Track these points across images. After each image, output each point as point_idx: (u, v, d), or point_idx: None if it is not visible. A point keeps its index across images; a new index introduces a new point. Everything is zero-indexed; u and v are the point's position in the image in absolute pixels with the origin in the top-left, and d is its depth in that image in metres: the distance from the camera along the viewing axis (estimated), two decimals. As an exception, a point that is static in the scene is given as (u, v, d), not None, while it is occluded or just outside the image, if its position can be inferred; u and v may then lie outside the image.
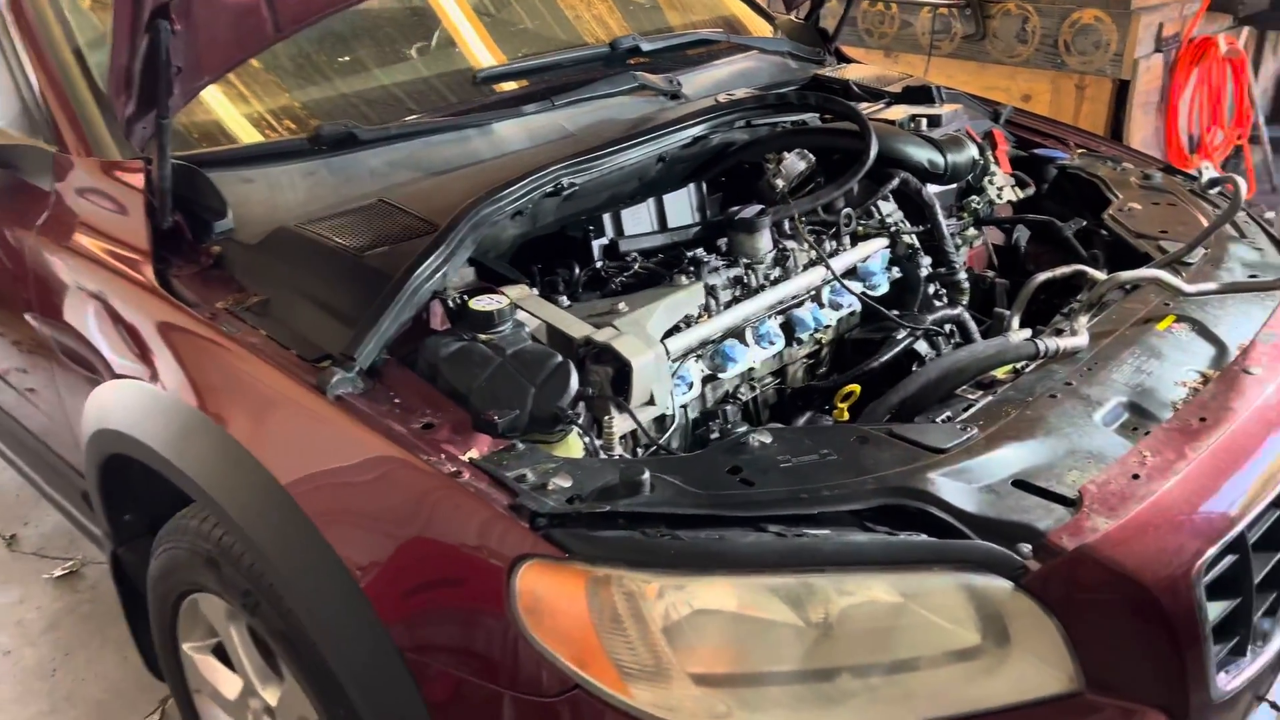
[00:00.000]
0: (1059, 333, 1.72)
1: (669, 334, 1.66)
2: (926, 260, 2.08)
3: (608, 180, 1.95)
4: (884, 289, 2.03)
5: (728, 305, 1.80)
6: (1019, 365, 1.61)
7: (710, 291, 1.77)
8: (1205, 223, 2.09)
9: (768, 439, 1.38)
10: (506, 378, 1.43)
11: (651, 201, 1.93)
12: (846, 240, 2.02)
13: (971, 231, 2.36)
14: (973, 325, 2.02)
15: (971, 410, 1.50)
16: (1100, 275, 1.86)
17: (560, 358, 1.45)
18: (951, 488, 1.28)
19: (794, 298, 1.88)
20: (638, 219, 1.91)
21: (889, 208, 2.11)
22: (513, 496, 1.25)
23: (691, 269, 1.76)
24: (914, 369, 1.97)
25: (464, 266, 1.64)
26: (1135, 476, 1.30)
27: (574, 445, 1.41)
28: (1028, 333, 1.76)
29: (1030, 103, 5.26)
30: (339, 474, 1.37)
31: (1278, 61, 6.33)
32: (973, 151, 2.12)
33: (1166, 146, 5.30)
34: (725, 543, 1.19)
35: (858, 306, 1.98)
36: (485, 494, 1.26)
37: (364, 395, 1.42)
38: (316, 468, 1.40)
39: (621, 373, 1.48)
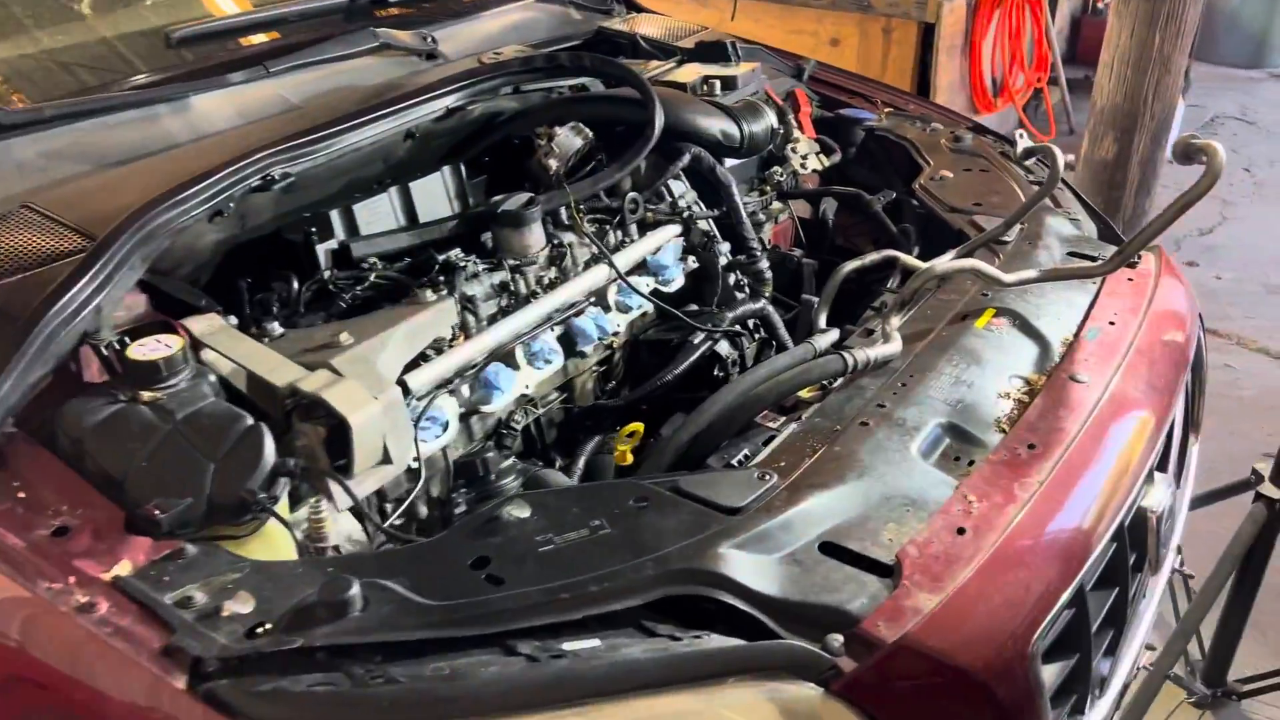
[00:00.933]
0: (869, 334, 1.50)
1: (413, 366, 1.35)
2: (725, 247, 1.83)
3: (341, 165, 1.59)
4: (679, 283, 1.77)
5: (492, 320, 1.50)
6: (827, 381, 1.38)
7: (468, 305, 1.46)
8: (1019, 190, 1.93)
9: (525, 512, 1.09)
10: (176, 453, 1.08)
11: (395, 191, 1.59)
12: (634, 229, 1.74)
13: (776, 205, 2.13)
14: (778, 321, 1.79)
15: (774, 444, 1.26)
16: (913, 262, 1.65)
17: (250, 420, 1.12)
18: (748, 564, 1.04)
19: (573, 304, 1.59)
20: (378, 214, 1.56)
21: (681, 188, 1.84)
22: (169, 633, 0.92)
23: (442, 279, 1.44)
24: (716, 373, 1.74)
25: (132, 293, 1.26)
26: (960, 531, 1.09)
27: (274, 538, 1.08)
28: (835, 334, 1.54)
29: (839, 47, 5.12)
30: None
31: (1073, 2, 6.45)
32: (771, 119, 1.88)
33: (972, 90, 5.29)
34: (458, 682, 0.90)
35: (650, 306, 1.71)
36: (127, 634, 0.92)
37: (-29, 492, 1.04)
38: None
39: (337, 432, 1.16)
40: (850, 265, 1.63)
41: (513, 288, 1.52)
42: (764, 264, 1.82)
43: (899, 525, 1.11)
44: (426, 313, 1.35)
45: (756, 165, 2.11)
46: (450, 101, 1.72)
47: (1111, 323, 1.47)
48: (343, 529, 1.26)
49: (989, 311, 1.50)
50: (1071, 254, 1.71)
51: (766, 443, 1.28)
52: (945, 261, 1.49)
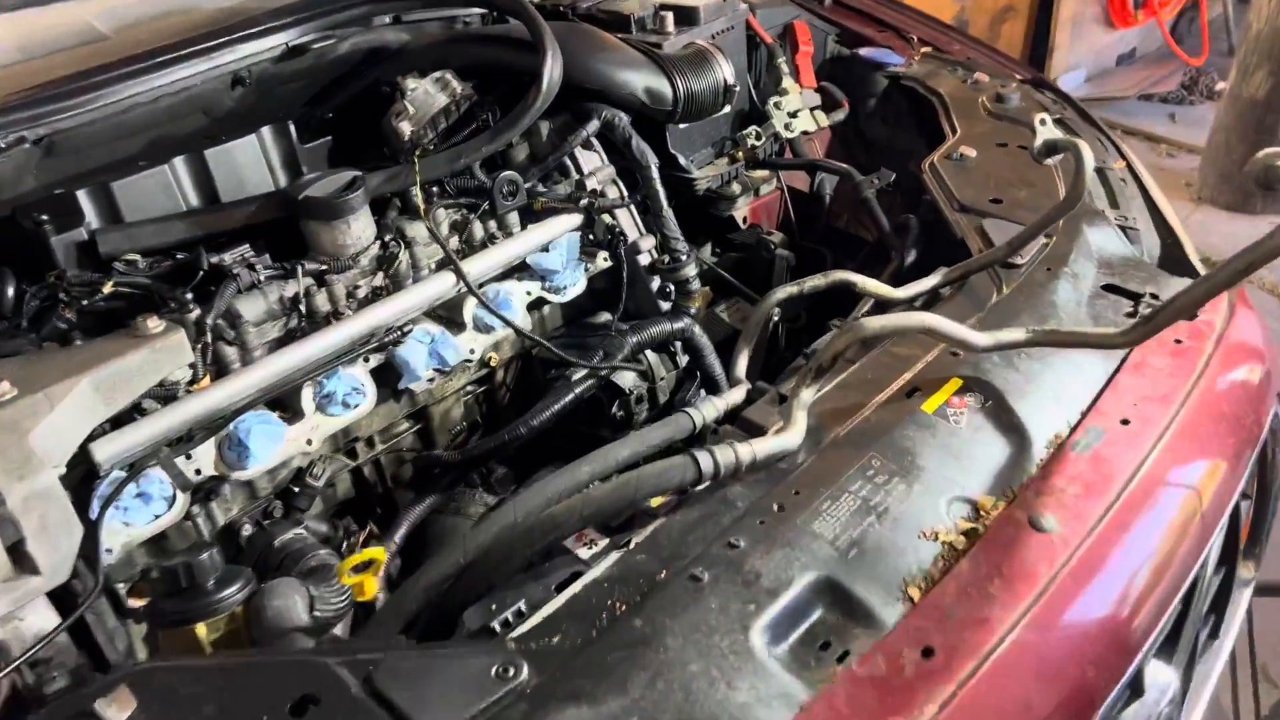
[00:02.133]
0: (782, 400, 1.08)
1: (127, 421, 1.01)
2: (648, 243, 1.40)
3: (133, 123, 1.25)
4: (576, 290, 1.36)
5: (274, 347, 1.14)
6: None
7: (231, 329, 1.10)
8: (1060, 184, 1.43)
9: (124, 711, 0.75)
10: None
11: (183, 161, 1.22)
12: (513, 220, 1.33)
13: (758, 174, 1.68)
14: (705, 344, 1.37)
15: (563, 597, 0.87)
16: (875, 288, 1.21)
17: None
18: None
19: (401, 325, 1.21)
20: (151, 193, 1.20)
21: (594, 162, 1.41)
22: None
23: (189, 295, 1.08)
24: (614, 411, 1.35)
25: None
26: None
27: None
28: (741, 393, 1.12)
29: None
30: None
31: (1247, -104, 5.44)
32: (722, 73, 1.41)
33: (1108, 3, 4.52)
34: None
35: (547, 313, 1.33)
36: None
37: None
38: None
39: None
40: (782, 292, 1.19)
41: (307, 305, 1.15)
42: (691, 269, 1.39)
43: (682, 780, 0.72)
44: (137, 353, 0.99)
45: (731, 124, 1.65)
46: (290, 37, 1.33)
47: (1126, 421, 1.00)
48: (29, 629, 0.95)
49: (951, 384, 1.05)
50: (1108, 288, 1.22)
51: (562, 587, 0.89)
52: (879, 318, 1.03)
